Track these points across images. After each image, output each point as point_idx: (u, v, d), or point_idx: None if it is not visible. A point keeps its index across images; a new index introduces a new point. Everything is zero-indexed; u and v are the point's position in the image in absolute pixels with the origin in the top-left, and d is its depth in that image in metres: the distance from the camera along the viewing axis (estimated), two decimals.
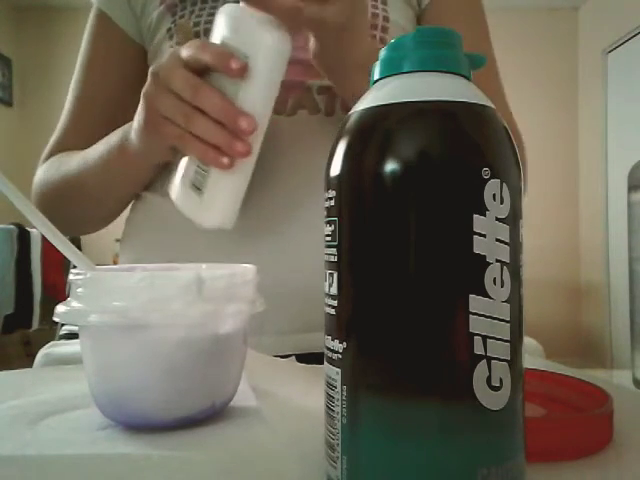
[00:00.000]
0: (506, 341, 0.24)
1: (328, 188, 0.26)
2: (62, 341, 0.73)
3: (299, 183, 0.60)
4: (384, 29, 0.64)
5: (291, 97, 0.62)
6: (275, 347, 0.57)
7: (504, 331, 0.24)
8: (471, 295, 0.23)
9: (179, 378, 0.34)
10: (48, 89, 3.74)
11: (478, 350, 0.23)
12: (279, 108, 0.60)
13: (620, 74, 3.43)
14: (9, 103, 3.77)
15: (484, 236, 0.23)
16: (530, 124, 2.18)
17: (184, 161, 0.53)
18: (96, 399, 0.36)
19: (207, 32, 0.61)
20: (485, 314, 0.23)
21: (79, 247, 3.14)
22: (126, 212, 0.72)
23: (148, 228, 0.67)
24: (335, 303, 0.26)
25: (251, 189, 0.52)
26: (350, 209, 0.25)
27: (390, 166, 0.23)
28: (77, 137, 0.73)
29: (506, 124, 0.26)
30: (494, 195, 0.23)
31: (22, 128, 3.78)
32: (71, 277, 0.35)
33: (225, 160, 0.48)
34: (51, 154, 0.73)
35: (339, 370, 0.25)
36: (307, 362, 0.53)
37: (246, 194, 0.52)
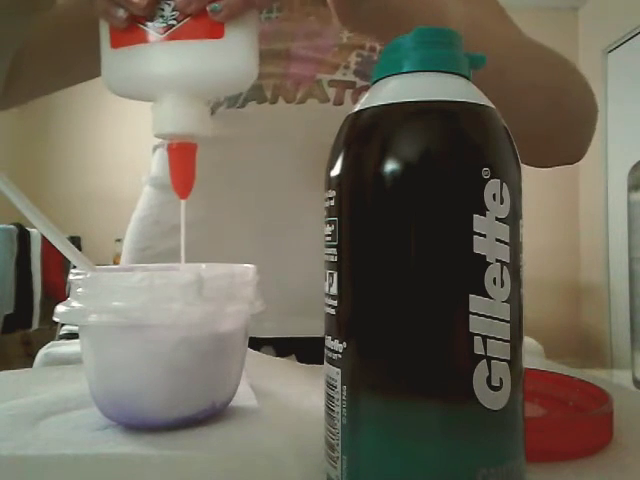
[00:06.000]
0: (506, 341, 0.24)
1: (328, 188, 0.26)
2: (62, 341, 0.73)
3: (305, 164, 0.61)
4: (372, 49, 0.64)
5: (301, 89, 0.64)
6: (273, 329, 0.58)
7: (504, 331, 0.24)
8: (471, 295, 0.23)
9: (179, 378, 0.34)
10: None
11: (478, 350, 0.23)
12: (288, 98, 0.63)
13: (620, 74, 3.42)
14: None
15: (484, 236, 0.23)
16: None
17: None
18: (96, 399, 0.36)
19: None
20: (485, 314, 0.23)
21: (79, 247, 3.14)
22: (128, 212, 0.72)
23: (150, 223, 0.68)
24: (335, 303, 0.26)
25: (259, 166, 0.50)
26: (350, 209, 0.25)
27: (390, 166, 0.23)
28: None
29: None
30: (494, 195, 0.23)
31: (22, 129, 3.77)
32: (71, 277, 0.35)
33: (120, 13, 0.39)
34: None
35: (339, 370, 0.25)
36: (307, 346, 0.53)
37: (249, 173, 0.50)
